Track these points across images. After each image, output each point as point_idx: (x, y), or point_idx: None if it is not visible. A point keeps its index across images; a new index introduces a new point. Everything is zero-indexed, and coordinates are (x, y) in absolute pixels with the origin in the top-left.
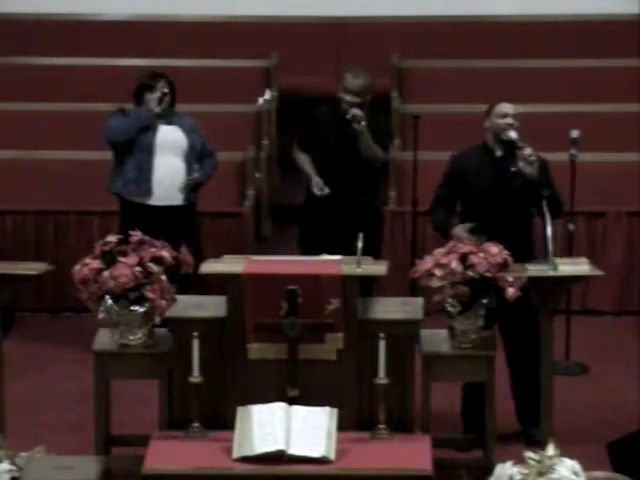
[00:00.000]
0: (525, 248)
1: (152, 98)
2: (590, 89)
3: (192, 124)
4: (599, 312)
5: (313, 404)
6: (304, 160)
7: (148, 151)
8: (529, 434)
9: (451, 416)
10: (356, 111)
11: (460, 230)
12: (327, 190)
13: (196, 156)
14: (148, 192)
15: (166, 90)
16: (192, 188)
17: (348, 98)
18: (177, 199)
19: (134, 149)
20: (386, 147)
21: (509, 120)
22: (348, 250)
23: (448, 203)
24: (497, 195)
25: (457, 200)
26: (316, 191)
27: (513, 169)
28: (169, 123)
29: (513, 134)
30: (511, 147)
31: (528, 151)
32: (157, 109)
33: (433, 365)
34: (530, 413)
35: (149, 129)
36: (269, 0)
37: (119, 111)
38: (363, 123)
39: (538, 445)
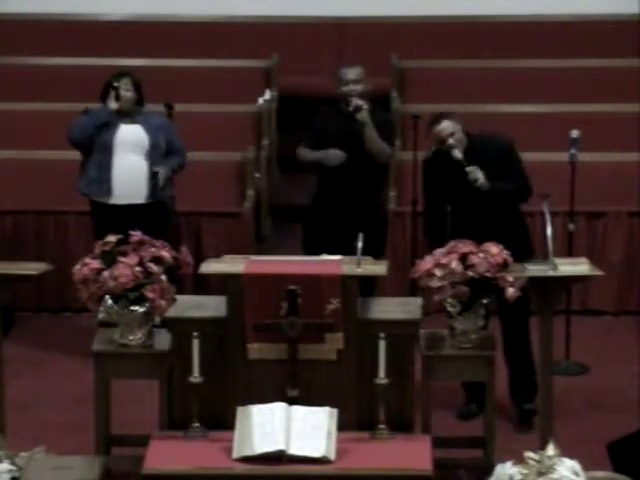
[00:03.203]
0: (519, 246)
1: (110, 95)
2: (590, 89)
3: (159, 123)
4: (599, 312)
5: (313, 404)
6: (307, 152)
7: (107, 150)
8: (524, 410)
9: (451, 416)
10: (358, 101)
11: None
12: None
13: (161, 155)
14: (108, 192)
15: (117, 84)
16: (157, 183)
17: (348, 88)
18: (138, 197)
19: (95, 149)
20: (390, 141)
21: (450, 141)
22: (354, 250)
23: (437, 208)
24: (466, 197)
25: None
26: (337, 158)
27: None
28: (133, 122)
29: (457, 154)
30: (459, 165)
31: (472, 176)
32: (113, 105)
33: (433, 365)
34: (523, 390)
35: (109, 128)
36: (269, 0)
37: (84, 112)
38: (365, 107)
39: (535, 415)
